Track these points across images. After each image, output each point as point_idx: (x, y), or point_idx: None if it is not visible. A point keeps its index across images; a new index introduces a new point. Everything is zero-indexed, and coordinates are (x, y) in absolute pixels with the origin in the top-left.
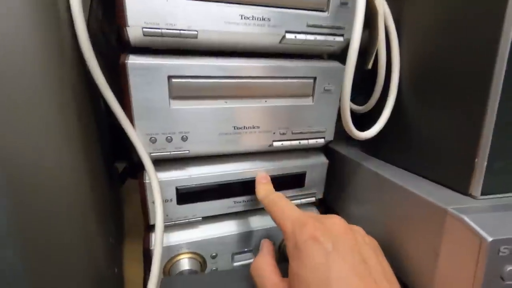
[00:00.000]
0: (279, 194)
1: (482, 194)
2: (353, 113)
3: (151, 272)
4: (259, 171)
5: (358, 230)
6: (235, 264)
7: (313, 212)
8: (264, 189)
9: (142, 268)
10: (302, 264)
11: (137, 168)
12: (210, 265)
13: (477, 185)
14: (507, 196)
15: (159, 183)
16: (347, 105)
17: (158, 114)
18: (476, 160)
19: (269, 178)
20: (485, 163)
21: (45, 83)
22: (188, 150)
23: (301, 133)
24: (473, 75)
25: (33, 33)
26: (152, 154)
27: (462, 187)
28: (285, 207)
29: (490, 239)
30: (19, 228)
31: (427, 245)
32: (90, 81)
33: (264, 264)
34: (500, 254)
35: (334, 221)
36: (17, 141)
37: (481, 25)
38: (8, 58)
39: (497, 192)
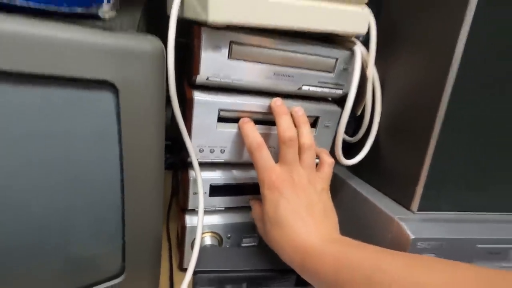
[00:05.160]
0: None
1: (418, 210)
2: (345, 141)
3: (195, 242)
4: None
5: (319, 182)
6: (243, 245)
7: None
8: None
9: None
10: (266, 202)
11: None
12: (225, 243)
13: (415, 204)
14: (433, 214)
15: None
16: (340, 140)
17: (208, 133)
18: (416, 188)
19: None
20: (421, 192)
21: (159, 113)
22: (224, 159)
23: None
24: (420, 128)
25: (157, 81)
26: (199, 159)
27: (407, 205)
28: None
29: (412, 237)
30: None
31: (381, 238)
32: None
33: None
34: (417, 246)
35: (301, 173)
36: (136, 149)
37: (428, 96)
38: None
39: (427, 210)
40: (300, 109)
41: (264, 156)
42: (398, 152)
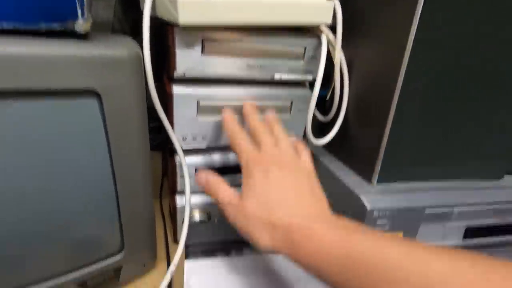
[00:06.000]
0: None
1: (377, 182)
2: (320, 122)
3: (184, 220)
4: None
5: (301, 156)
6: None
7: None
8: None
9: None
10: (251, 177)
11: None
12: (213, 218)
13: (375, 177)
14: (389, 185)
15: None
16: (310, 121)
17: (189, 123)
18: (376, 162)
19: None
20: (380, 165)
21: (142, 104)
22: (206, 145)
23: None
24: (380, 107)
25: (136, 81)
26: (183, 146)
27: (368, 178)
28: (242, 140)
29: (369, 208)
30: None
31: (344, 210)
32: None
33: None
34: (374, 215)
35: (285, 158)
36: (123, 145)
37: (386, 78)
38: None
39: (385, 181)
40: (271, 113)
41: (244, 138)
42: (362, 130)
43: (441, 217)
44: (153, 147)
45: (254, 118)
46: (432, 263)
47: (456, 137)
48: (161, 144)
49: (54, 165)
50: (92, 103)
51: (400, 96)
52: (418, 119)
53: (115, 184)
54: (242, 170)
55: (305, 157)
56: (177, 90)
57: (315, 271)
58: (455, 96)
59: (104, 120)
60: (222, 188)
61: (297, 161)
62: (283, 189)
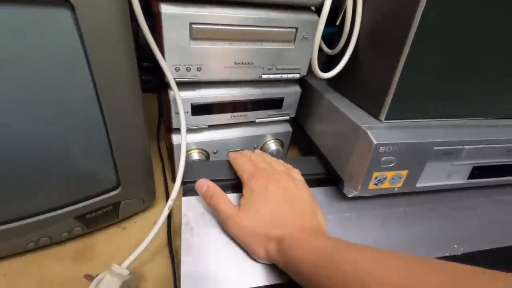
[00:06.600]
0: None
1: (385, 119)
2: (326, 55)
3: (180, 158)
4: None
5: (294, 177)
6: None
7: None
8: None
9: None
10: (250, 192)
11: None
12: (212, 158)
13: (383, 113)
14: (398, 122)
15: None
16: (316, 50)
17: (182, 51)
18: (385, 98)
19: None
20: (390, 102)
21: (124, 21)
22: (201, 77)
23: (283, 69)
24: (396, 37)
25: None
26: (176, 79)
27: (376, 114)
28: (243, 164)
29: (375, 142)
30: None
31: (349, 146)
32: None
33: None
34: (380, 151)
35: (280, 177)
36: (105, 65)
37: (404, 6)
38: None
39: (393, 119)
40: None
41: (246, 161)
42: (373, 64)
43: (450, 155)
44: (148, 89)
45: (244, 155)
46: (400, 270)
47: (475, 73)
48: (156, 86)
49: (32, 88)
50: (65, 14)
51: (419, 25)
52: (436, 51)
53: (101, 113)
54: (243, 187)
55: (295, 173)
56: (166, 8)
57: (300, 275)
58: (479, 28)
59: (80, 36)
60: (224, 200)
61: (288, 177)
62: (279, 204)
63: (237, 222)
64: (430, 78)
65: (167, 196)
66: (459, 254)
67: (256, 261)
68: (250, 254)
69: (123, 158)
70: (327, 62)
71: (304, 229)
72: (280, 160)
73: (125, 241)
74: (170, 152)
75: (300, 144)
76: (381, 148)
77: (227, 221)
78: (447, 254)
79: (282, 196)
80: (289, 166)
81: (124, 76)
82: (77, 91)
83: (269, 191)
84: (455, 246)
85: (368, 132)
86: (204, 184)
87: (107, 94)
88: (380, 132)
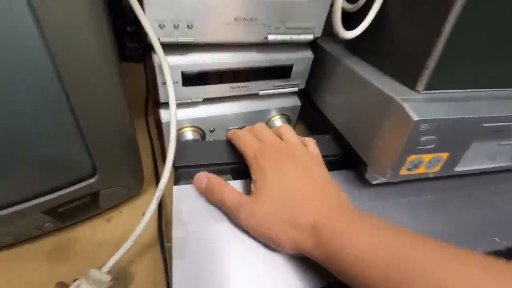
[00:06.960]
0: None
1: (424, 90)
2: (343, 11)
3: (170, 138)
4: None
5: (309, 148)
6: None
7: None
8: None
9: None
10: (261, 174)
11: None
12: (208, 137)
13: (422, 83)
14: (439, 93)
15: None
16: (339, 5)
17: (166, 1)
18: (425, 65)
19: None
20: (432, 69)
21: None
22: (193, 38)
23: (293, 28)
24: None
25: None
26: (161, 39)
27: (411, 84)
28: (245, 137)
29: (416, 118)
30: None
31: (375, 123)
32: None
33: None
34: (421, 129)
35: (294, 151)
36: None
37: None
38: None
39: (434, 89)
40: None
41: (249, 135)
42: (408, 23)
43: (500, 133)
44: (133, 58)
45: (245, 129)
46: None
47: None
48: (143, 54)
49: None
50: None
51: None
52: (492, 11)
53: (62, 85)
54: (251, 168)
55: (313, 147)
56: None
57: (343, 270)
58: None
59: None
60: (228, 190)
61: (306, 151)
62: (300, 184)
63: (252, 212)
64: (482, 40)
65: (157, 181)
66: (502, 249)
67: (269, 263)
68: (275, 246)
69: (97, 140)
70: (343, 22)
71: (336, 213)
72: (289, 127)
73: (110, 235)
74: (159, 131)
75: (308, 120)
76: (422, 126)
77: (237, 213)
78: (489, 250)
79: (301, 173)
80: (303, 137)
81: (89, 39)
82: (25, 57)
83: (284, 170)
84: (496, 239)
85: (405, 105)
86: (203, 177)
87: (66, 62)
88: (420, 106)
